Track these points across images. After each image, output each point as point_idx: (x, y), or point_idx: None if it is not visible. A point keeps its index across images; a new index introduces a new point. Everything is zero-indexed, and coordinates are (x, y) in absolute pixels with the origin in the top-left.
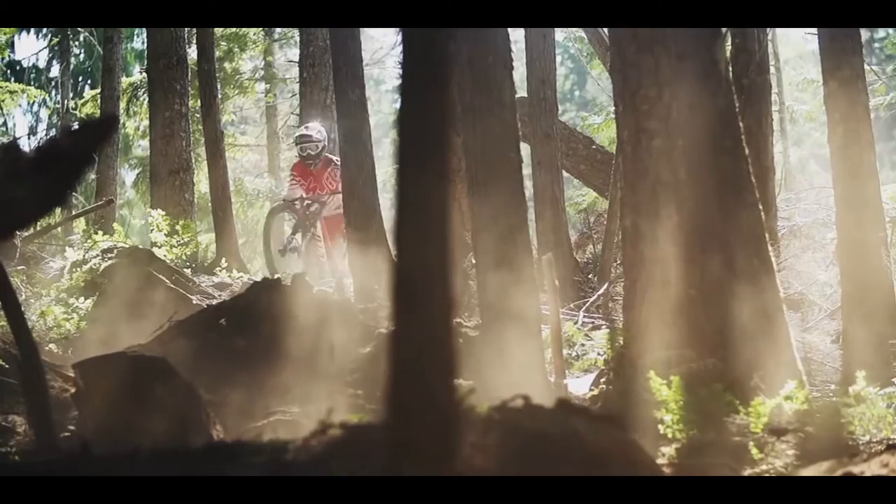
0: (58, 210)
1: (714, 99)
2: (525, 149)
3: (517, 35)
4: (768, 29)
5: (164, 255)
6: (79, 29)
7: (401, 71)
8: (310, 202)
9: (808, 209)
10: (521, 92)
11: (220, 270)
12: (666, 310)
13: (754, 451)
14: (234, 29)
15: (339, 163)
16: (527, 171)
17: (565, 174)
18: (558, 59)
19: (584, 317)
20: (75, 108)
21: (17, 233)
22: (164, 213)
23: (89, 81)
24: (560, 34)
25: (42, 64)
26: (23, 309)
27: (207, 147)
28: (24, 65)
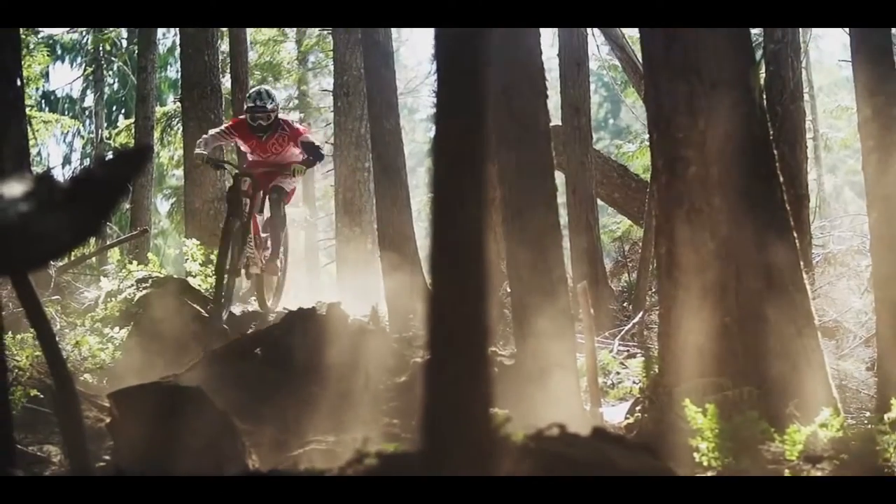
0: (92, 240)
1: (748, 126)
2: (559, 177)
3: (551, 63)
4: (802, 56)
5: (199, 285)
6: (112, 58)
7: (435, 100)
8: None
9: (842, 236)
10: (556, 120)
11: (254, 299)
12: (701, 338)
13: None
14: (268, 58)
15: (290, 124)
16: (561, 199)
17: (600, 202)
18: (592, 87)
19: (620, 345)
20: (109, 138)
21: (52, 263)
22: (198, 242)
23: (123, 111)
24: (594, 63)
25: (76, 94)
26: (57, 339)
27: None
28: (59, 94)
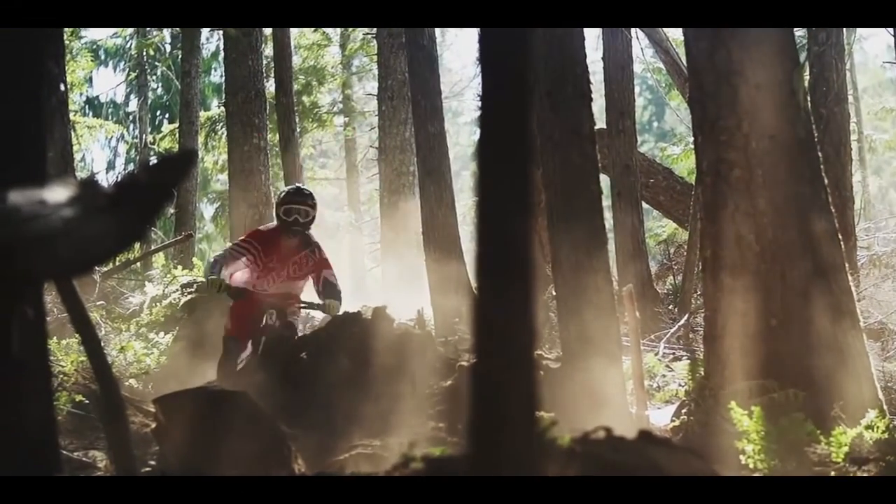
0: (137, 245)
1: (793, 129)
2: (604, 180)
3: (596, 66)
4: (846, 58)
5: None
6: (156, 63)
7: (480, 103)
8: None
9: (887, 238)
10: (600, 123)
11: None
12: (746, 340)
13: None
14: (311, 62)
15: (320, 249)
16: (606, 202)
17: (645, 205)
18: (637, 89)
19: (665, 348)
20: (153, 143)
21: (97, 268)
22: None
23: (167, 116)
24: (638, 66)
25: (120, 99)
26: (102, 344)
27: (286, 181)
28: (102, 100)
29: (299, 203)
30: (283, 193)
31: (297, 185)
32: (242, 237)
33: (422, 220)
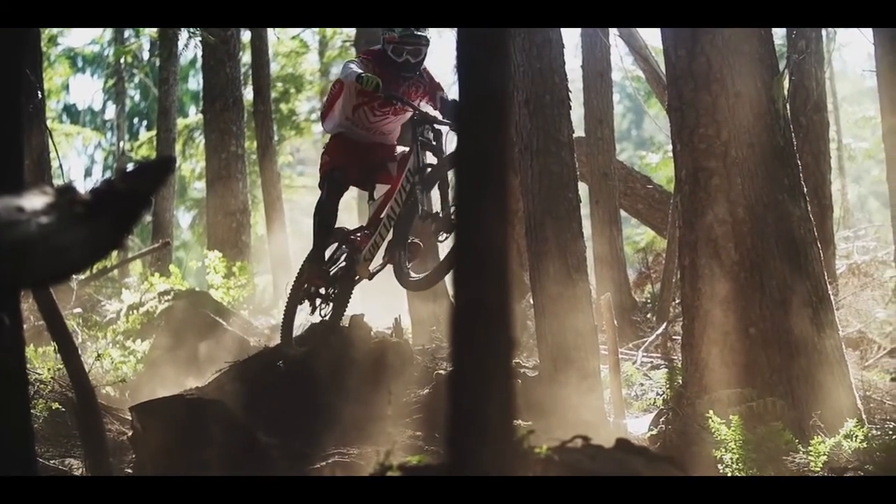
0: (114, 253)
1: (772, 137)
2: (583, 188)
3: (574, 74)
4: (825, 66)
5: (221, 298)
6: (134, 70)
7: (459, 111)
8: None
9: (866, 247)
10: (579, 131)
11: (277, 312)
12: (725, 349)
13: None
14: (290, 69)
15: (428, 72)
16: (584, 210)
17: (623, 213)
18: (615, 97)
19: (643, 356)
20: (131, 150)
21: (74, 276)
22: (220, 254)
23: (145, 123)
24: (617, 73)
25: (97, 106)
26: (79, 352)
27: (264, 188)
28: (80, 107)
29: (412, 44)
30: (391, 34)
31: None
32: (359, 55)
33: None
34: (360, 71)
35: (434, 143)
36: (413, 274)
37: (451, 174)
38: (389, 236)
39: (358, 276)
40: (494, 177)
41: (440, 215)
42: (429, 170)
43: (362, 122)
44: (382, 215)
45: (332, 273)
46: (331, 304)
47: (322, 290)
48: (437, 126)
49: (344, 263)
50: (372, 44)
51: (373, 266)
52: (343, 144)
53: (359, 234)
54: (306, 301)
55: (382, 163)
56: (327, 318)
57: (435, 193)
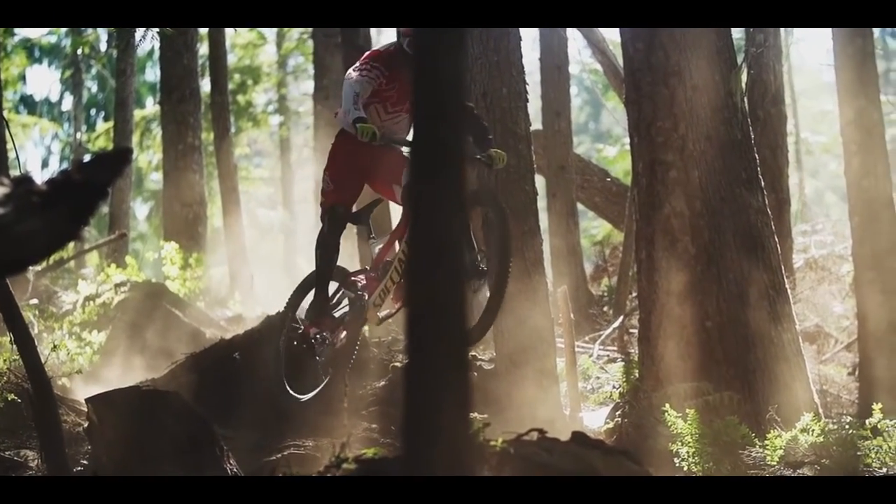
0: (70, 244)
1: (730, 130)
2: (539, 181)
3: (532, 67)
4: (783, 60)
5: (178, 289)
6: (91, 61)
7: (415, 104)
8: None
9: (824, 241)
10: (536, 124)
11: (233, 303)
12: (681, 342)
13: None
14: (247, 61)
15: None
16: (541, 203)
17: (580, 206)
18: (573, 90)
19: (600, 350)
20: (88, 141)
21: (30, 267)
22: (177, 246)
23: (102, 114)
24: (575, 66)
25: (54, 97)
26: (35, 343)
27: (221, 180)
28: (37, 98)
29: None
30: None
31: None
32: (366, 60)
33: None
34: (360, 114)
35: None
36: None
37: (474, 211)
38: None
39: (367, 322)
40: (450, 169)
41: (470, 265)
42: None
43: (374, 119)
44: (390, 258)
45: (337, 317)
46: (336, 350)
47: (327, 336)
48: None
49: (349, 308)
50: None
51: (383, 312)
52: (346, 160)
53: (363, 277)
54: (303, 344)
55: (387, 182)
56: (330, 368)
57: None
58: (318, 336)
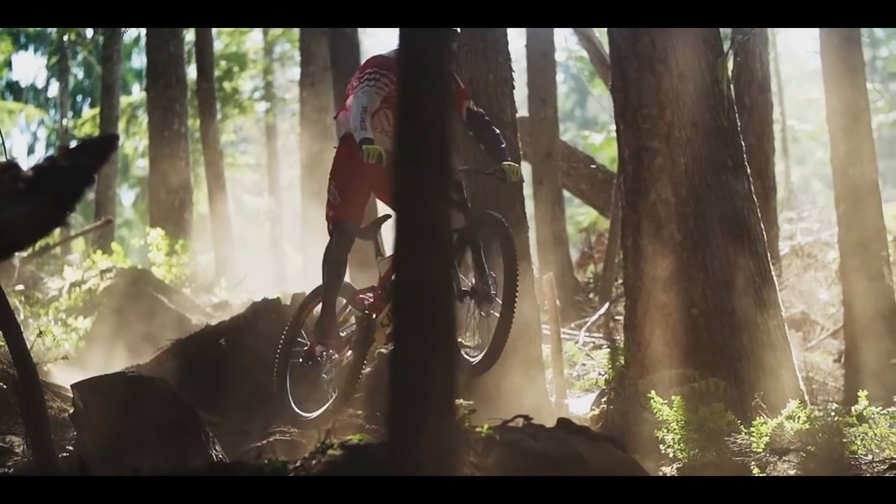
0: (56, 230)
1: (716, 118)
2: (526, 168)
3: (518, 54)
4: (770, 47)
5: (164, 275)
6: (77, 48)
7: (400, 90)
8: None
9: (810, 228)
10: (522, 111)
11: (219, 290)
12: (667, 329)
13: (756, 471)
14: (233, 48)
15: (455, 78)
16: (527, 190)
17: (566, 193)
18: (559, 77)
19: (585, 336)
20: (74, 128)
21: (16, 253)
22: (163, 232)
23: (88, 100)
24: (561, 53)
25: (41, 83)
26: (21, 329)
27: (207, 166)
28: (23, 84)
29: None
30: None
31: None
32: (371, 68)
33: None
34: (367, 134)
35: (457, 198)
36: (467, 357)
37: (481, 235)
38: None
39: (375, 342)
40: (436, 156)
41: (477, 289)
42: (455, 236)
43: (382, 125)
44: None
45: (343, 336)
46: (342, 369)
47: (334, 355)
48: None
49: (356, 327)
50: None
51: (390, 331)
52: (353, 170)
53: (370, 295)
54: (309, 361)
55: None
56: (334, 388)
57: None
58: (323, 354)
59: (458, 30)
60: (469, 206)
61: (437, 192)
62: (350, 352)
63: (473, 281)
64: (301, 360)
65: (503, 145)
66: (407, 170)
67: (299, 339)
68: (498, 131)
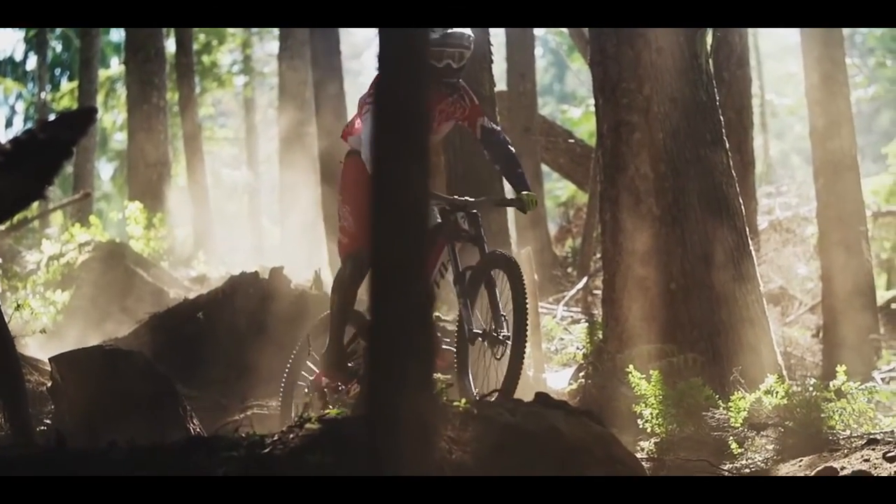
0: (35, 203)
1: (694, 92)
2: None
3: (496, 29)
4: None
5: (142, 249)
6: None
7: (377, 65)
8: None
9: (788, 203)
10: (501, 85)
11: (197, 263)
12: (645, 304)
13: (734, 445)
14: None
15: (469, 94)
16: None
17: (545, 167)
18: (538, 52)
19: (564, 311)
20: (52, 101)
21: None
22: (141, 206)
23: (67, 74)
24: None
25: (19, 56)
26: None
27: (185, 140)
28: (0, 57)
29: (454, 45)
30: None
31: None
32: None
33: (320, 181)
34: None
35: (472, 231)
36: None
37: (495, 271)
38: None
39: None
40: (415, 132)
41: (492, 332)
42: (469, 273)
43: None
44: None
45: (351, 367)
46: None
47: (340, 387)
48: (472, 210)
49: (364, 360)
50: None
51: None
52: (367, 193)
53: None
54: (314, 392)
55: None
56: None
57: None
58: (329, 386)
59: (471, 35)
60: (484, 240)
61: (419, 169)
62: (357, 387)
63: (486, 323)
64: (307, 389)
65: (520, 170)
66: (386, 145)
67: (308, 364)
68: (513, 150)
